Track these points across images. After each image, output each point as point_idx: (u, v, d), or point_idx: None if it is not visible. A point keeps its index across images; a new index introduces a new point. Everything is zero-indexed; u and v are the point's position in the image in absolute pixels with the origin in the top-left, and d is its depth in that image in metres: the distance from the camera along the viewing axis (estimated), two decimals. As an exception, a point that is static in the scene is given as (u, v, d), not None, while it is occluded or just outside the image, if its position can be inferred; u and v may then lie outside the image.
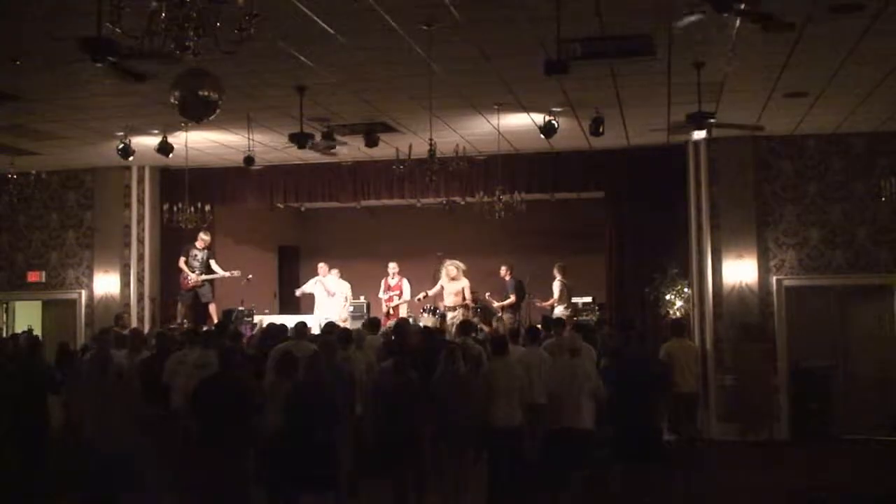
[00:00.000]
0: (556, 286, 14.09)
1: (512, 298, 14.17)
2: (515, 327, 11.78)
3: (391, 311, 14.24)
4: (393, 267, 14.62)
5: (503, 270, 14.57)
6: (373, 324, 10.75)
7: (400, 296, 14.50)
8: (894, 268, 11.82)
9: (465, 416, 7.64)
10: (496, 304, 14.26)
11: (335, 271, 14.63)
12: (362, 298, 14.96)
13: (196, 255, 13.80)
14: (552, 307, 14.02)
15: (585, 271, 14.83)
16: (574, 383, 7.67)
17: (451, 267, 13.98)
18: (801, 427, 11.89)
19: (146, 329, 13.22)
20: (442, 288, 14.16)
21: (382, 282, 14.70)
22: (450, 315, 13.79)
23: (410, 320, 13.45)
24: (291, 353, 7.95)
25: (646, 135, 11.99)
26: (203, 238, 13.65)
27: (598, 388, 7.75)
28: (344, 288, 14.57)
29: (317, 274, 14.69)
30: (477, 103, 10.04)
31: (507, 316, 13.95)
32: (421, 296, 14.42)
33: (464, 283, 13.93)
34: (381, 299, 14.68)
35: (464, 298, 13.85)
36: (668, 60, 8.27)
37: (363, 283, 15.18)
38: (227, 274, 13.83)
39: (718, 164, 12.28)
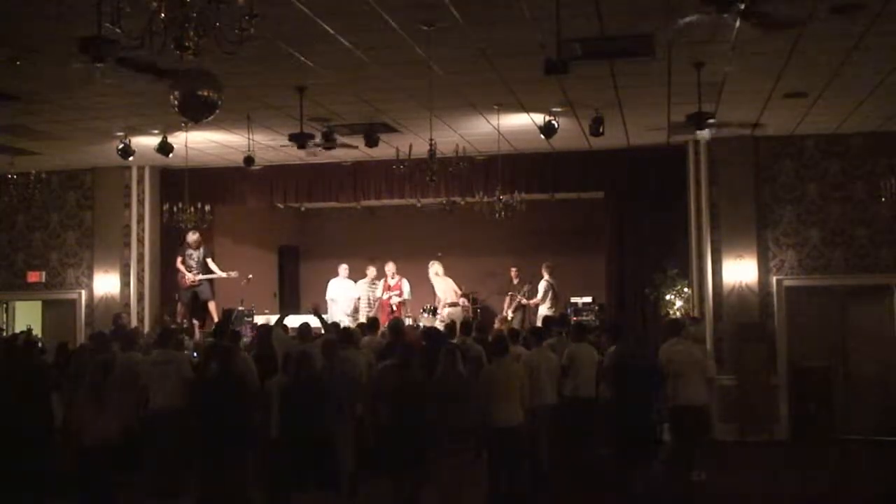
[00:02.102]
0: (542, 286, 14.18)
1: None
2: (516, 328, 11.84)
3: (394, 310, 14.27)
4: (391, 267, 14.66)
5: (513, 273, 14.70)
6: (371, 324, 10.74)
7: (400, 295, 14.54)
8: (894, 268, 11.83)
9: (462, 417, 7.64)
10: (532, 302, 14.33)
11: (345, 267, 14.93)
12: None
13: (191, 255, 13.80)
14: (536, 306, 14.09)
15: (585, 271, 14.86)
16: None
17: (438, 265, 14.14)
18: (801, 427, 11.90)
19: (146, 329, 13.24)
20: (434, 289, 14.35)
21: (381, 282, 14.74)
22: (448, 311, 13.87)
23: (410, 321, 13.52)
24: (308, 354, 7.95)
25: (646, 135, 11.99)
26: (191, 237, 13.63)
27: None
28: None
29: (337, 275, 14.96)
30: (477, 103, 10.04)
31: (516, 318, 14.09)
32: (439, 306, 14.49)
33: (449, 280, 14.09)
34: (381, 299, 14.71)
35: (455, 293, 14.03)
36: (668, 60, 8.27)
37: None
38: (225, 275, 13.83)
39: (718, 164, 12.28)
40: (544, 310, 13.83)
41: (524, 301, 14.43)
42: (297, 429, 7.22)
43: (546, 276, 14.17)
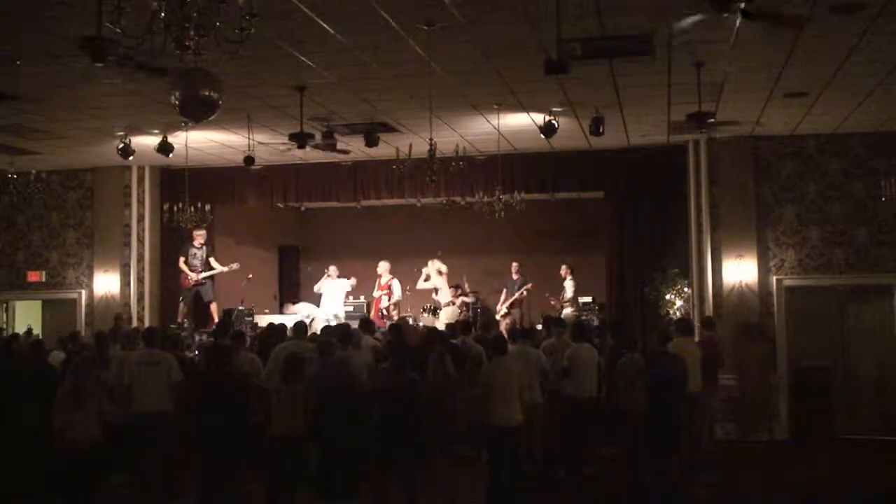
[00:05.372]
0: (570, 286, 14.13)
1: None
2: (516, 327, 11.83)
3: (384, 314, 14.11)
4: (383, 266, 14.50)
5: (514, 268, 14.68)
6: (368, 324, 10.71)
7: (390, 296, 14.40)
8: (894, 268, 11.83)
9: (452, 418, 7.63)
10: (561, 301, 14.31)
11: (334, 269, 14.66)
12: (362, 298, 14.95)
13: (195, 254, 13.80)
14: (561, 307, 14.03)
15: (585, 271, 14.85)
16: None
17: (439, 263, 14.07)
18: (801, 427, 11.89)
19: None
20: (435, 285, 14.26)
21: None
22: (449, 310, 13.81)
23: (410, 320, 13.49)
24: (298, 355, 7.90)
25: (646, 135, 11.99)
26: (198, 235, 13.63)
27: None
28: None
29: (326, 274, 14.71)
30: (477, 103, 10.04)
31: (515, 313, 14.08)
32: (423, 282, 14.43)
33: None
34: (373, 298, 14.67)
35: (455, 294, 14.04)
36: (668, 60, 8.27)
37: (363, 283, 15.15)
38: (227, 268, 13.81)
39: (718, 164, 12.29)
40: (568, 311, 13.70)
41: (554, 302, 14.30)
42: (335, 437, 7.20)
43: (570, 277, 14.16)
